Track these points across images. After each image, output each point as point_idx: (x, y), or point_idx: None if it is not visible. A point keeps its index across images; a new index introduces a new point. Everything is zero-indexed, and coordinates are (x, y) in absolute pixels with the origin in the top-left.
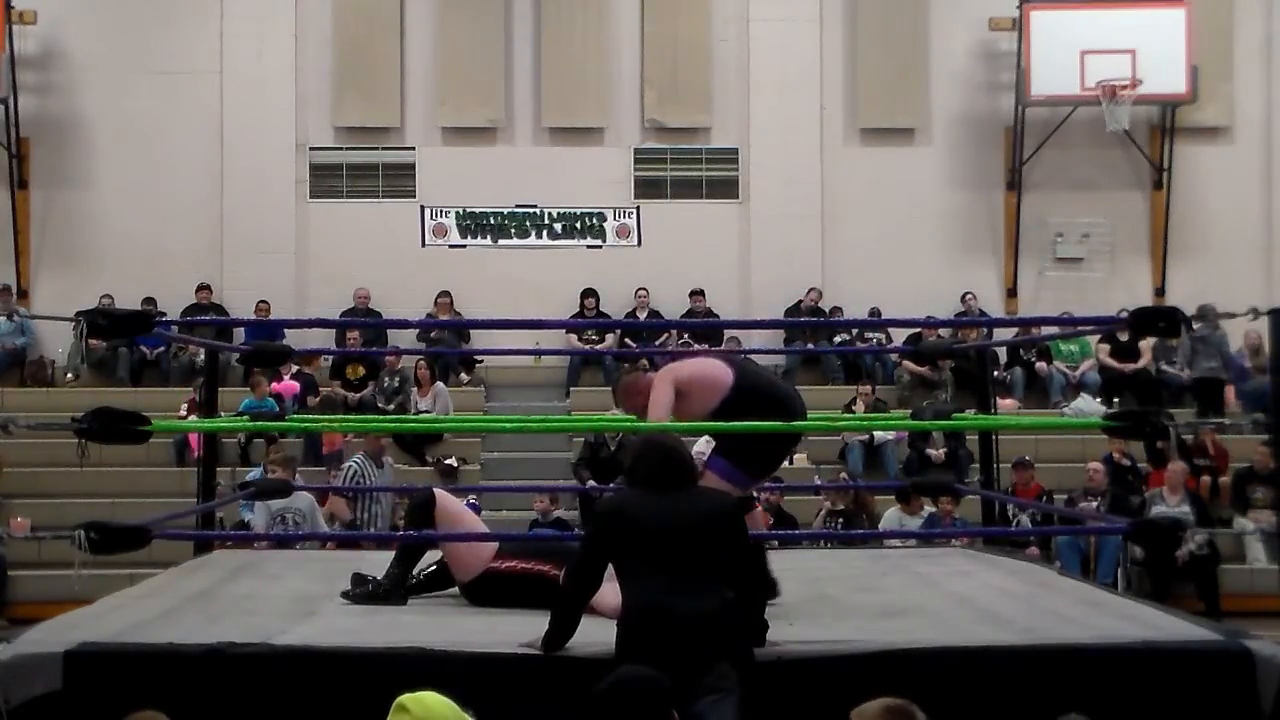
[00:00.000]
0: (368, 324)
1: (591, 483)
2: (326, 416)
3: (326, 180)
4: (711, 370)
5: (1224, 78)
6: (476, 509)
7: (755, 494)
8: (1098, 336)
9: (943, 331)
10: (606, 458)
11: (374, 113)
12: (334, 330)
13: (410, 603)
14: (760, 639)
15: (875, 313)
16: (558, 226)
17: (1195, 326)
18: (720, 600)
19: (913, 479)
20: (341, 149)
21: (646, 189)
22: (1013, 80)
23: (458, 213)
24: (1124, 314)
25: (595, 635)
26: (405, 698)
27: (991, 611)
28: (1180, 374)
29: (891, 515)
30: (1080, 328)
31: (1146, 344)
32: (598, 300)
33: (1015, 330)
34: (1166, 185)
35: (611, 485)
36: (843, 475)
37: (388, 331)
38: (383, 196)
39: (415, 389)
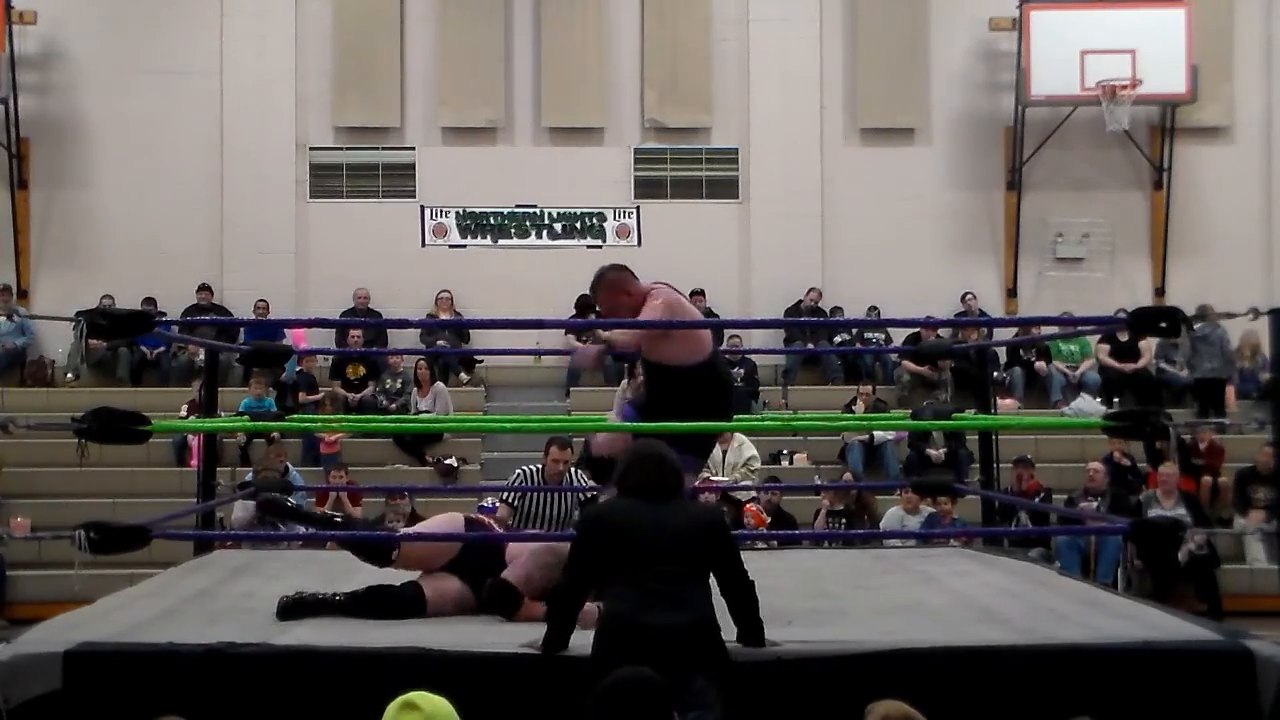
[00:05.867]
0: (368, 324)
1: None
2: (326, 416)
3: (326, 180)
4: (702, 333)
5: (1224, 78)
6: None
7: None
8: (1098, 336)
9: (943, 331)
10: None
11: (374, 113)
12: (334, 330)
13: None
14: (760, 641)
15: (875, 313)
16: (558, 226)
17: (1196, 326)
18: (699, 614)
19: (913, 479)
20: (341, 149)
21: (646, 189)
22: (1013, 80)
23: (458, 213)
24: (1124, 314)
25: None
26: (414, 695)
27: (991, 611)
28: (1180, 374)
29: (894, 514)
30: (1080, 328)
31: (1146, 344)
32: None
33: (1015, 330)
34: (1166, 185)
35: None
36: (846, 475)
37: (388, 331)
38: (383, 196)
39: (415, 389)
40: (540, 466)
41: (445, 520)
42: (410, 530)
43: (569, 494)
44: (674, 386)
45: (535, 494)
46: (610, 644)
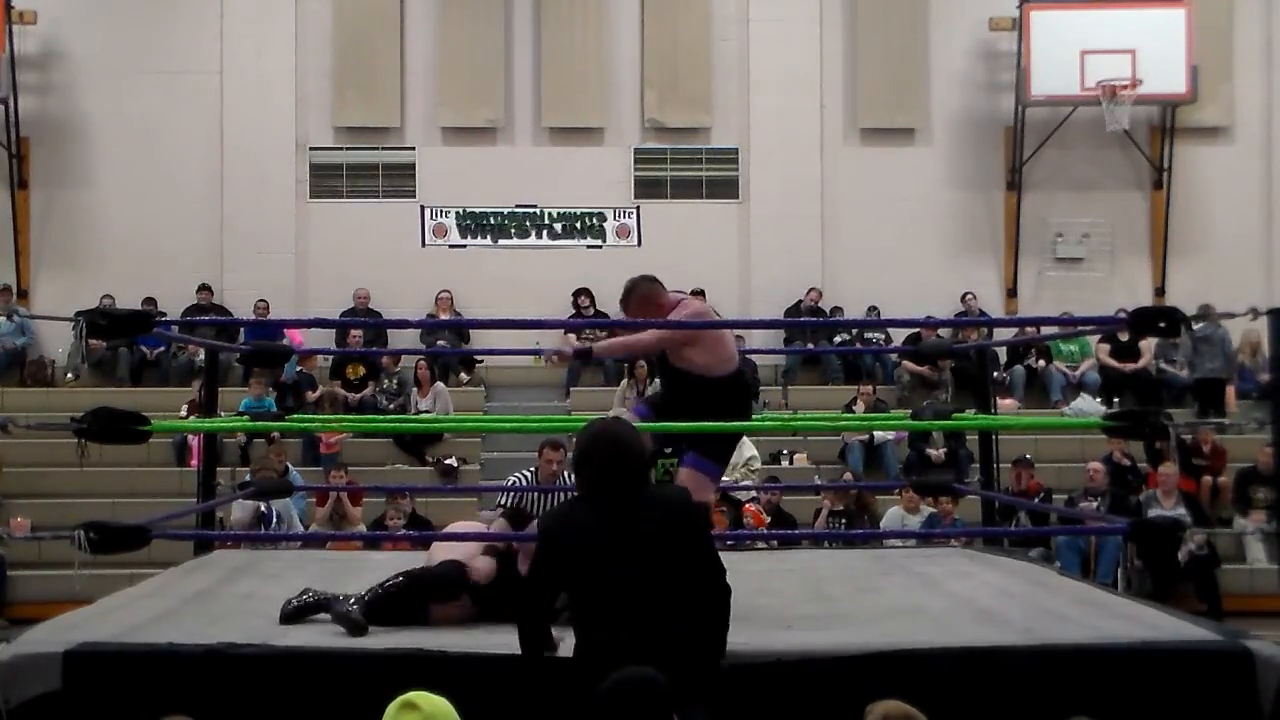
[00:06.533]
0: (368, 324)
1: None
2: (326, 416)
3: (326, 180)
4: (730, 343)
5: (1224, 78)
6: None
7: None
8: (1098, 336)
9: (943, 331)
10: None
11: (374, 113)
12: (333, 330)
13: None
14: (717, 657)
15: (875, 313)
16: (558, 226)
17: (1197, 326)
18: (680, 624)
19: (913, 479)
20: (341, 149)
21: (646, 189)
22: (1013, 80)
23: (458, 213)
24: (1124, 314)
25: None
26: (413, 695)
27: (991, 612)
28: (1180, 374)
29: (894, 514)
30: (1080, 328)
31: (1146, 344)
32: (592, 299)
33: (1015, 330)
34: (1166, 185)
35: None
36: (846, 475)
37: (388, 331)
38: (383, 196)
39: (415, 389)
40: (534, 469)
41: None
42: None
43: (566, 495)
44: (699, 395)
45: (532, 500)
46: (589, 676)
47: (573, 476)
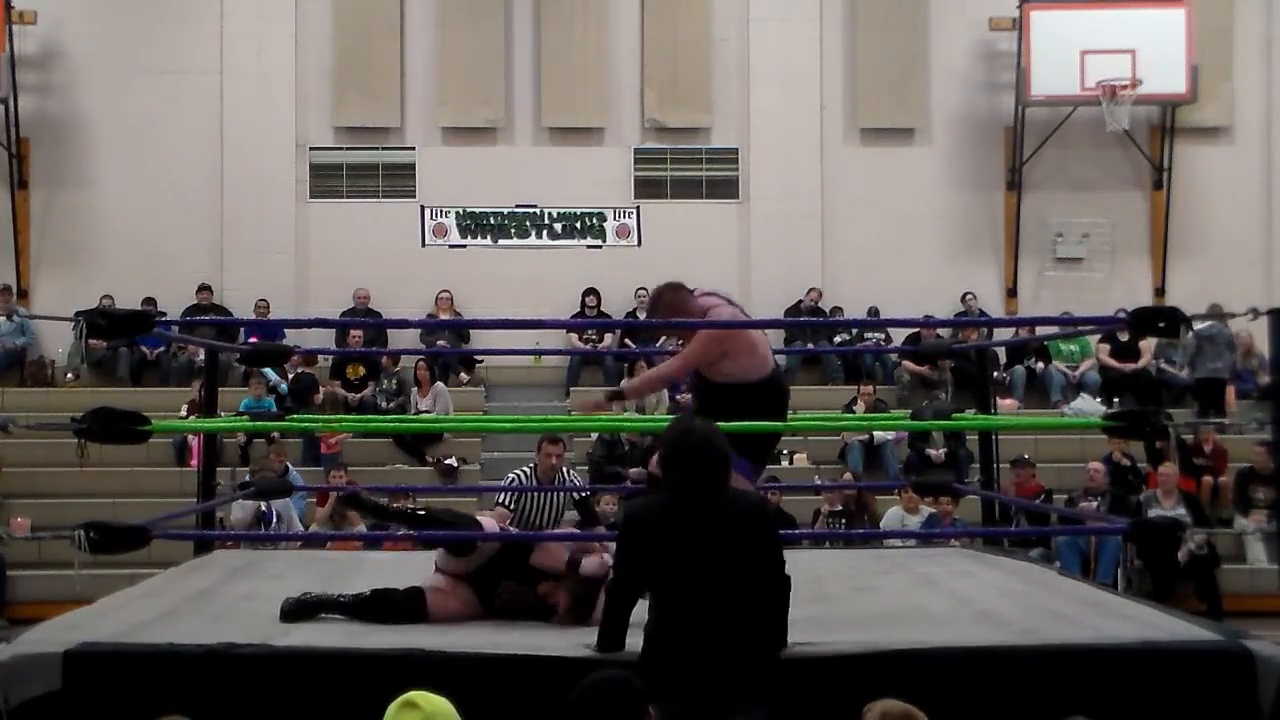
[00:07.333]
0: (368, 324)
1: (578, 481)
2: (326, 416)
3: (326, 180)
4: (762, 346)
5: (1224, 78)
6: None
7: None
8: (1098, 336)
9: (943, 331)
10: (621, 455)
11: (374, 113)
12: (334, 330)
13: None
14: (778, 645)
15: (875, 313)
16: (558, 226)
17: (1202, 325)
18: (747, 623)
19: (913, 479)
20: (341, 149)
21: (646, 189)
22: (1013, 80)
23: (458, 213)
24: (1124, 314)
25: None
26: (414, 695)
27: (991, 612)
28: (1180, 374)
29: (894, 514)
30: (1080, 328)
31: (1147, 344)
32: (599, 299)
33: (1015, 330)
34: (1166, 185)
35: (614, 485)
36: (846, 475)
37: (388, 331)
38: (383, 196)
39: (415, 389)
40: (533, 466)
41: (490, 522)
42: (488, 529)
43: (564, 490)
44: (734, 401)
45: (530, 495)
46: (661, 664)
47: (659, 467)
